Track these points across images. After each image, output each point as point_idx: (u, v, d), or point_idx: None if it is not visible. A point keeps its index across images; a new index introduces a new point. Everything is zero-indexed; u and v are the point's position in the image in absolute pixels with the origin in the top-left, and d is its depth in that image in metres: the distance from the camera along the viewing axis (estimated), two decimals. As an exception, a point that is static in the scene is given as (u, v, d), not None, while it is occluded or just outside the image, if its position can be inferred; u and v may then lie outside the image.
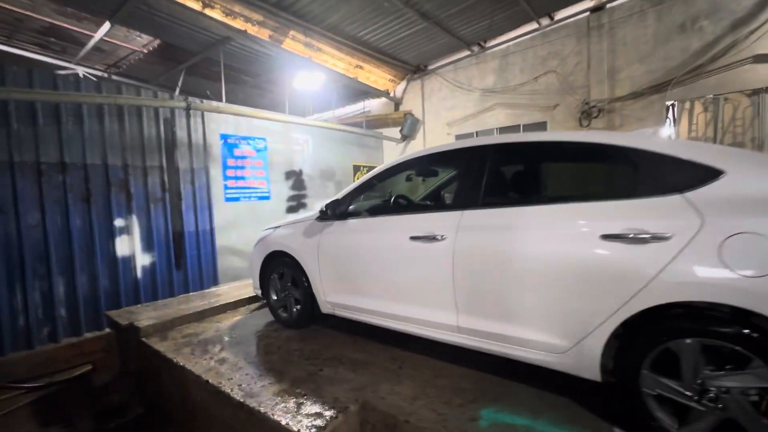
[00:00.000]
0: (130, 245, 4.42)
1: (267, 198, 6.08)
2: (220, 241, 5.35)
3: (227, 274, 5.42)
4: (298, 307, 2.92)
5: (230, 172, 5.53)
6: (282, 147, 6.34)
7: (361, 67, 7.12)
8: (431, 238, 2.02)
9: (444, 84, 7.83)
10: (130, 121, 4.44)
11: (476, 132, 7.49)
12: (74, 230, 3.98)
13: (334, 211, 2.59)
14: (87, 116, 4.08)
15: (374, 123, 8.30)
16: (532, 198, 2.19)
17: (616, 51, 5.88)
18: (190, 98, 4.68)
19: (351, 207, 2.65)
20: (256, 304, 3.80)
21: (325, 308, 2.70)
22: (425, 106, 8.19)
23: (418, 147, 8.38)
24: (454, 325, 1.97)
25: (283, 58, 6.50)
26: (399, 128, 8.20)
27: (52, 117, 3.84)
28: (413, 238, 2.09)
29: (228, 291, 4.32)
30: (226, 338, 2.93)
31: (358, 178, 8.68)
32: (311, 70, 6.41)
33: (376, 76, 7.58)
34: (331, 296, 2.62)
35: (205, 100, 5.16)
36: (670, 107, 5.25)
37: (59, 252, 3.89)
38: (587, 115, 6.11)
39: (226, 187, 5.48)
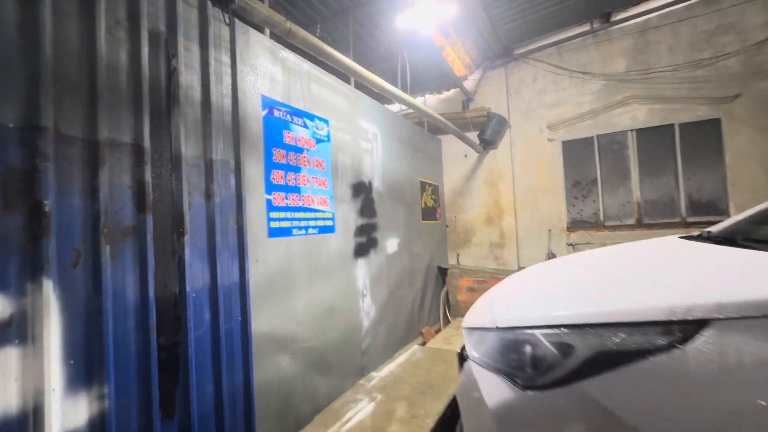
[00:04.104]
0: (34, 372, 1.40)
1: (331, 230, 3.27)
2: (257, 323, 2.41)
3: (269, 406, 2.44)
4: None
5: (277, 177, 2.70)
6: (348, 140, 3.65)
7: (449, 36, 4.78)
8: None
9: (541, 72, 5.72)
10: (56, 18, 1.58)
11: (596, 136, 5.36)
12: None
13: None
14: None
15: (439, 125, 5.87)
16: None
17: (837, 17, 4.17)
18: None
19: None
20: None
21: None
22: (510, 103, 5.98)
23: (501, 158, 6.04)
24: None
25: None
26: (478, 132, 5.85)
27: None
28: None
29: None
30: None
31: (424, 203, 6.10)
32: (403, 15, 3.92)
33: (455, 55, 5.28)
34: None
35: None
36: None
37: None
38: (797, 106, 4.24)
39: (270, 207, 2.62)
